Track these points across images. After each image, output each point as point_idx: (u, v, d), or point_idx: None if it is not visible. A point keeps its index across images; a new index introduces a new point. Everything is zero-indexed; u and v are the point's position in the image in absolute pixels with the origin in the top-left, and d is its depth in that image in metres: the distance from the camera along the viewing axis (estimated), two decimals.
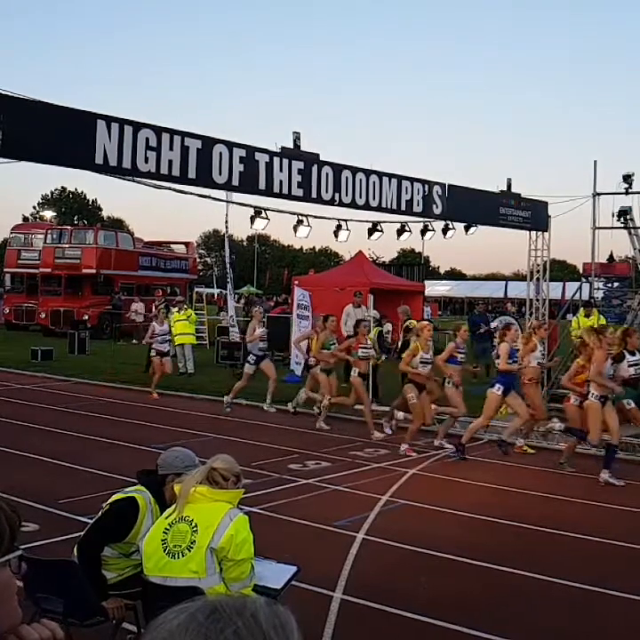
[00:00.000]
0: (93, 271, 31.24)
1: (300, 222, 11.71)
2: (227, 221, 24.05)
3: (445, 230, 13.05)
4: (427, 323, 12.45)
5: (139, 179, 9.15)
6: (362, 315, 18.03)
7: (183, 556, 4.00)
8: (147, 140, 8.67)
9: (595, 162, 17.40)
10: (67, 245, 32.12)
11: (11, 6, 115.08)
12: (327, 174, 10.64)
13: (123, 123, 8.47)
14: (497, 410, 11.11)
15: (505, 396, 10.73)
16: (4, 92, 7.45)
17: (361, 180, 11.07)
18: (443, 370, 11.45)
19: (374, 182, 11.26)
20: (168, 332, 16.51)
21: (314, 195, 10.54)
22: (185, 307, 20.67)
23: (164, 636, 0.97)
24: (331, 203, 10.84)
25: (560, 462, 10.31)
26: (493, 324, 20.92)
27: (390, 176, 11.57)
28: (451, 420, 11.79)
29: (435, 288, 62.71)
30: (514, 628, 5.62)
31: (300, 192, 10.35)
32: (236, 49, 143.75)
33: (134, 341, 26.86)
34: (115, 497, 4.65)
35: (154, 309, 20.90)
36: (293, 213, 11.71)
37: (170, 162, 8.90)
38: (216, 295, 47.83)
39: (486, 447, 11.77)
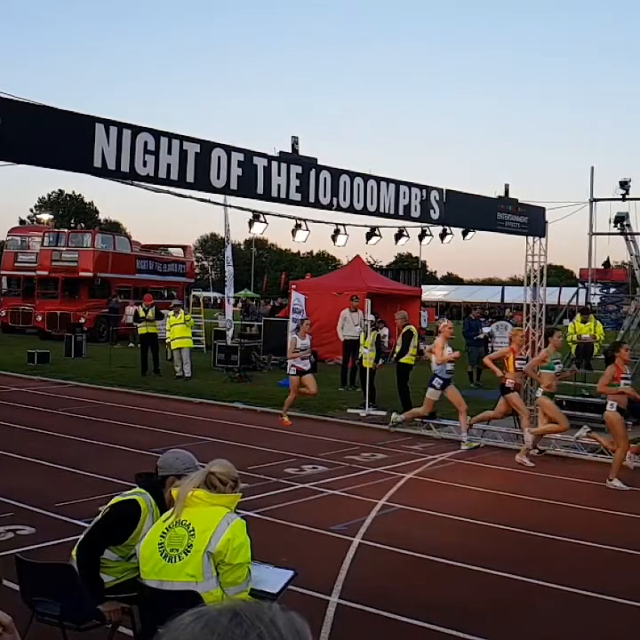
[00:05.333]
0: (90, 274, 31.22)
1: (298, 226, 11.69)
2: (227, 225, 24.08)
3: (443, 235, 13.04)
4: None
5: (137, 182, 9.13)
6: (358, 319, 18.05)
7: (180, 559, 4.00)
8: (145, 143, 8.65)
9: (592, 168, 17.46)
10: (64, 248, 32.09)
11: (10, 9, 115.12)
12: (325, 179, 10.63)
13: (121, 126, 8.45)
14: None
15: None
16: (2, 95, 7.45)
17: (359, 184, 11.06)
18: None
19: (372, 187, 11.25)
20: (309, 347, 13.61)
21: (312, 199, 10.52)
22: (180, 310, 20.56)
23: (188, 638, 0.98)
24: (329, 207, 10.83)
25: None
26: (486, 330, 20.99)
27: (388, 181, 11.56)
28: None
29: (432, 293, 62.86)
30: (511, 634, 5.62)
31: (298, 196, 10.33)
32: (236, 53, 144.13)
33: (131, 345, 26.85)
34: (115, 499, 4.62)
35: (141, 312, 20.67)
36: (291, 217, 11.70)
37: (168, 165, 8.88)
38: (219, 300, 47.55)
39: (482, 451, 11.78)
